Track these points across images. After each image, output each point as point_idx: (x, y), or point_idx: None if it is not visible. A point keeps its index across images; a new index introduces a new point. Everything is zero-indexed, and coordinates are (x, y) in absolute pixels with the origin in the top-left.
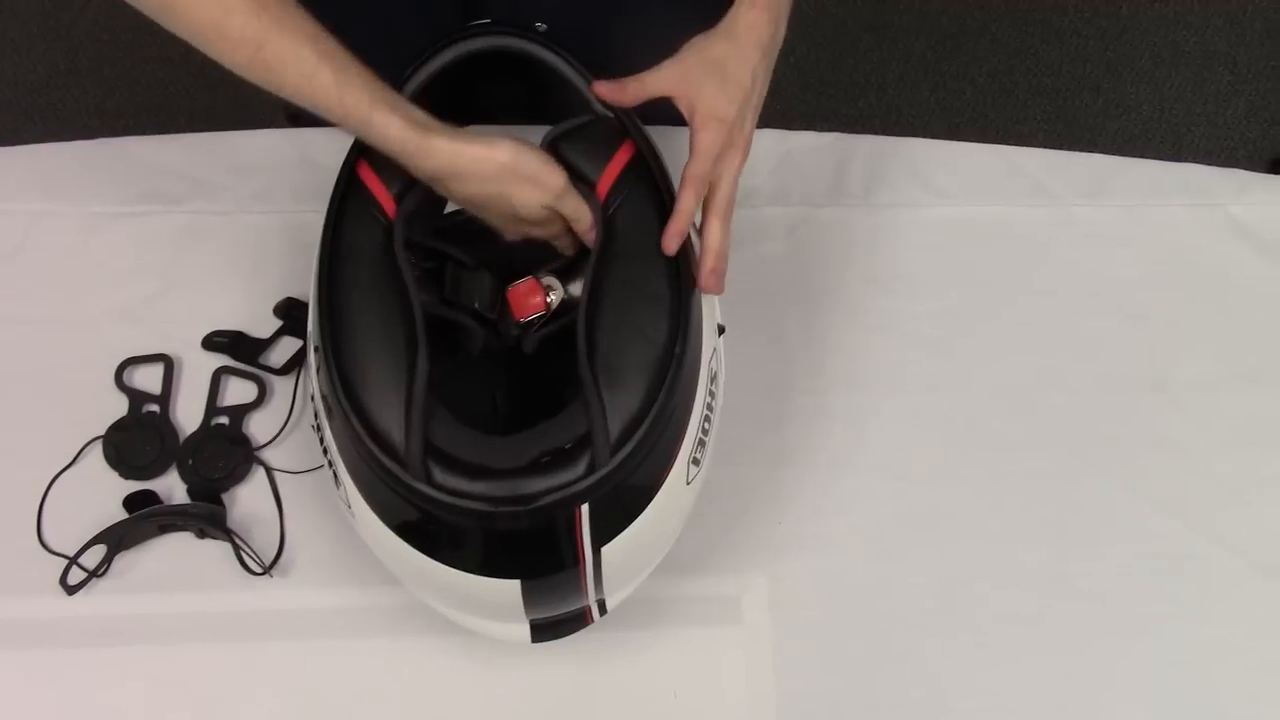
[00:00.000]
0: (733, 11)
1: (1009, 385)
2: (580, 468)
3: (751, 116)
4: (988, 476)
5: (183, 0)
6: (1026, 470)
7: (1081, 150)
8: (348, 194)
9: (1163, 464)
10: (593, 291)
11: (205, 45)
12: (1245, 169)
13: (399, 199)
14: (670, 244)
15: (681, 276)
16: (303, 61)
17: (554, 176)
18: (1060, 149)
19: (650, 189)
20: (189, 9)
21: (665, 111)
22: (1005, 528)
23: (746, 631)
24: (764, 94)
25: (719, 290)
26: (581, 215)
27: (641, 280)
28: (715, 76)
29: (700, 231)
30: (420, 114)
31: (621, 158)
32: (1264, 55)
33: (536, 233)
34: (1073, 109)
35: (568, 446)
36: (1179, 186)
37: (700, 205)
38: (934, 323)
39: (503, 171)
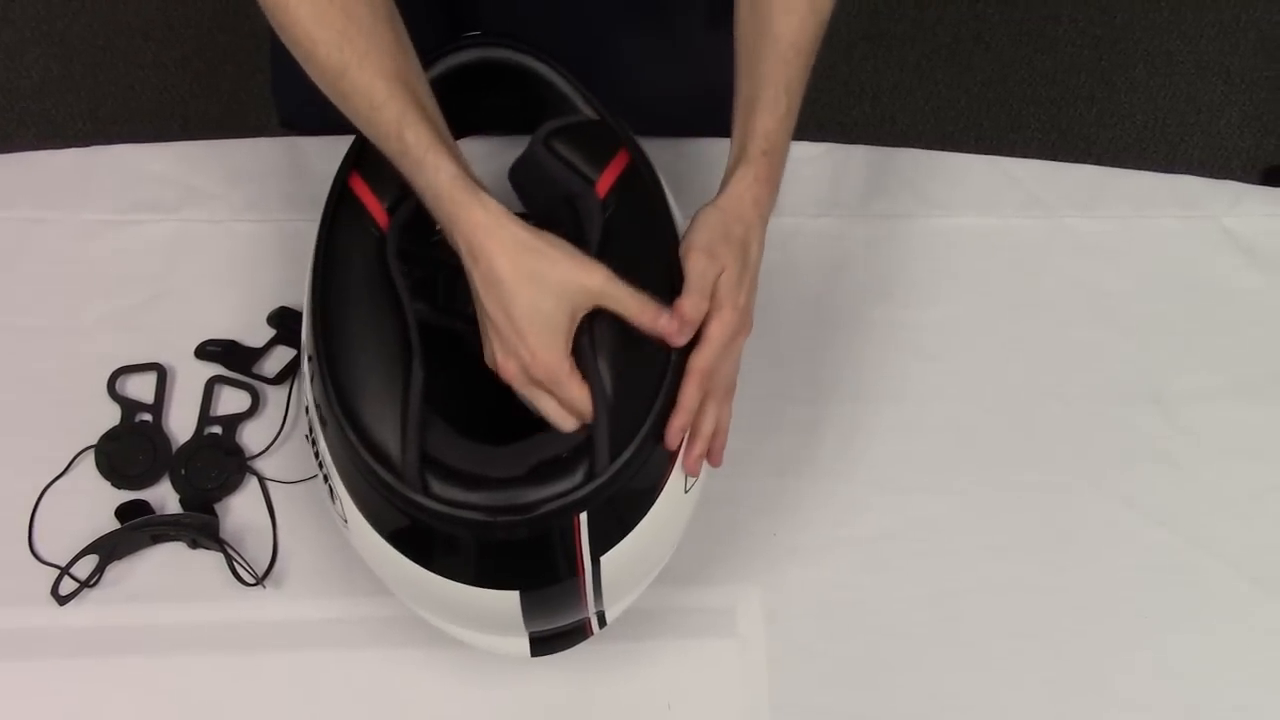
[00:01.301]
0: (736, 186)
1: (1004, 396)
2: (578, 476)
3: (755, 292)
4: (983, 488)
5: (284, 24)
6: (1022, 482)
7: (1075, 160)
8: (340, 206)
9: (1158, 476)
10: None
11: (303, 65)
12: (1238, 179)
13: (391, 210)
14: (673, 439)
15: (677, 285)
16: (374, 94)
17: (553, 344)
18: (1054, 158)
19: (646, 197)
20: (287, 33)
21: (657, 124)
22: (1001, 540)
23: (741, 643)
24: None
25: (714, 464)
26: (575, 397)
27: (638, 287)
28: (737, 258)
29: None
30: (474, 176)
31: (620, 162)
32: (1257, 65)
33: (507, 376)
34: (1067, 118)
35: (565, 455)
36: (1172, 198)
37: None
38: (929, 333)
39: (518, 275)
